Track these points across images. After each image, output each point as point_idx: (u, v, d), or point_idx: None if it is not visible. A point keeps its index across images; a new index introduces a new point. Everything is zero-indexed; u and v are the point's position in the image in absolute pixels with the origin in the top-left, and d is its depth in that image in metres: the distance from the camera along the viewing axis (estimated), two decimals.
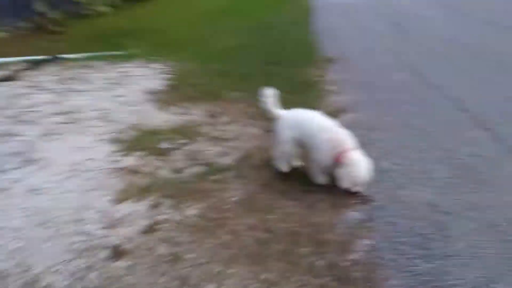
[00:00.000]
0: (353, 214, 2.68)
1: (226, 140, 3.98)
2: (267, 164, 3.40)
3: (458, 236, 2.37)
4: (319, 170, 3.00)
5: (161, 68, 6.71)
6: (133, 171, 3.47)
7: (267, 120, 3.60)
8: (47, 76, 6.64)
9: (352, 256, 2.31)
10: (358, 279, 2.15)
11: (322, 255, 2.35)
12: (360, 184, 2.76)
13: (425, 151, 3.36)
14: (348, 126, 3.95)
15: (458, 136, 3.56)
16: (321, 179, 3.03)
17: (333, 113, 4.32)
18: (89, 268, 2.36)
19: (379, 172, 3.15)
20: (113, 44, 9.18)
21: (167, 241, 2.57)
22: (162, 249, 2.50)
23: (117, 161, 3.64)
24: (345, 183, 2.75)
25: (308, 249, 2.40)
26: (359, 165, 2.72)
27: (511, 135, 3.49)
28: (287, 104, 4.65)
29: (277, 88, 5.19)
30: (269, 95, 3.17)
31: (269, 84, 5.38)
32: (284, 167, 3.20)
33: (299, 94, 4.98)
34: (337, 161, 2.81)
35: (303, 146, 3.11)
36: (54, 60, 7.84)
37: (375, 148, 3.52)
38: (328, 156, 2.85)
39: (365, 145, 3.52)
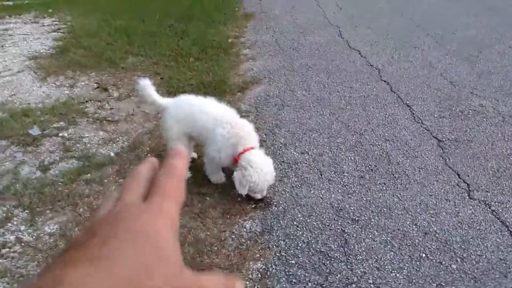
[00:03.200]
0: (247, 225, 2.22)
1: (115, 122, 3.33)
2: (157, 155, 2.82)
3: (364, 254, 2.01)
4: (216, 168, 2.48)
5: (53, 25, 5.68)
6: None
7: (169, 95, 3.02)
8: None
9: None
10: None
11: None
12: (258, 191, 2.29)
13: (338, 135, 2.95)
14: (257, 103, 3.48)
15: (375, 115, 3.18)
16: (217, 177, 2.52)
17: (244, 85, 3.79)
18: None
19: (285, 164, 2.71)
20: None
21: (9, 274, 2.00)
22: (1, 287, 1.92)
23: None
24: (240, 189, 2.26)
25: None
26: (257, 169, 2.20)
27: (430, 115, 3.15)
28: (194, 72, 4.06)
29: (185, 52, 4.55)
30: (146, 85, 2.49)
31: (176, 45, 4.74)
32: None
33: (210, 60, 4.35)
34: (235, 162, 2.29)
35: (198, 140, 2.55)
36: None
37: (283, 130, 3.07)
38: (228, 155, 2.32)
39: (273, 127, 3.09)
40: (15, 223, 2.32)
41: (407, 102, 3.34)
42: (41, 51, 4.72)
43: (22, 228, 2.29)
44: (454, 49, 4.46)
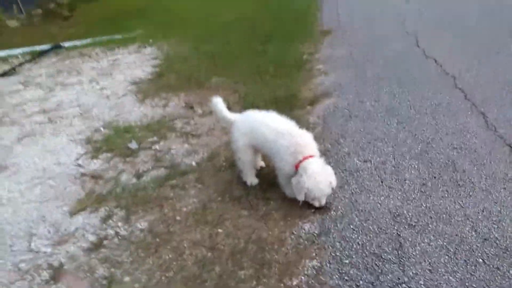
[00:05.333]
0: (307, 226, 2.40)
1: (197, 136, 3.76)
2: (231, 164, 3.16)
3: (417, 257, 2.06)
4: (287, 179, 2.61)
5: (152, 54, 6.50)
6: (96, 176, 3.36)
7: (244, 109, 3.36)
8: (42, 68, 6.63)
9: (293, 282, 2.07)
10: None
11: (262, 279, 2.12)
12: (314, 198, 2.46)
13: (403, 144, 2.98)
14: (325, 115, 3.65)
15: (446, 123, 3.13)
16: (290, 191, 2.63)
17: (315, 98, 3.99)
18: None
19: (347, 172, 2.84)
20: (117, 27, 9.07)
21: (108, 260, 2.45)
22: (101, 270, 2.39)
23: (83, 165, 3.53)
24: (297, 195, 2.46)
25: (249, 271, 2.19)
26: (310, 177, 2.38)
27: (506, 122, 3.01)
28: (269, 88, 4.37)
29: (262, 71, 4.90)
30: (218, 103, 2.86)
31: (255, 65, 5.11)
32: (252, 179, 2.91)
33: (284, 77, 4.64)
34: (296, 169, 2.51)
35: (263, 152, 2.82)
36: (54, 49, 7.82)
37: (348, 140, 3.19)
38: (290, 165, 2.54)
39: (338, 138, 3.23)
40: (114, 220, 2.80)
41: (482, 109, 3.22)
42: (142, 76, 5.45)
43: (120, 224, 2.75)
44: None
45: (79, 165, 3.56)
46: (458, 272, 1.93)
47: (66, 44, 8.21)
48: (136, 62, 6.13)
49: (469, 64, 4.08)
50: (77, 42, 8.41)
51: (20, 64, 7.14)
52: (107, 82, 5.46)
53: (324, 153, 2.65)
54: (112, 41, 7.90)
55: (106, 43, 7.77)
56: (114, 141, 3.84)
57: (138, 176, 3.27)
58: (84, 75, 5.92)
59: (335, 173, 2.51)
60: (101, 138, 3.94)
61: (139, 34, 8.11)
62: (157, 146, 3.67)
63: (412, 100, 3.58)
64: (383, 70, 4.31)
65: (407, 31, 5.41)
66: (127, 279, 2.29)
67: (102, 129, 4.14)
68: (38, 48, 8.00)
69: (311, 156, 2.48)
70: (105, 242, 2.61)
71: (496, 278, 1.87)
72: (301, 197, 2.44)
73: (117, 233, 2.67)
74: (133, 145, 3.73)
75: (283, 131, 2.57)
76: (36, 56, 7.48)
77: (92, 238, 2.67)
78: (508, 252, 1.98)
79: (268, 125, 2.63)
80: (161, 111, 4.36)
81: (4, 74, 6.64)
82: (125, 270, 2.35)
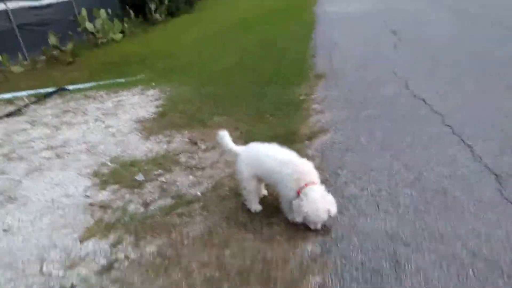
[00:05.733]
0: (309, 247, 2.56)
1: (202, 169, 3.95)
2: (235, 193, 3.33)
3: (413, 271, 2.21)
4: (288, 204, 2.79)
5: (155, 95, 6.80)
6: (104, 206, 3.50)
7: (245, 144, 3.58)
8: (48, 109, 6.86)
9: None
10: None
11: None
12: (311, 222, 2.63)
13: (397, 174, 3.20)
14: (323, 149, 3.89)
15: (436, 156, 3.38)
16: (292, 215, 2.81)
17: (312, 134, 4.24)
18: None
19: (346, 199, 3.03)
20: (120, 72, 9.46)
21: (120, 281, 2.56)
22: None
23: (91, 196, 3.67)
24: (296, 217, 2.64)
25: None
26: (310, 202, 2.57)
27: (491, 153, 3.26)
28: (269, 126, 4.64)
29: (262, 111, 5.19)
30: (224, 136, 3.12)
31: (255, 106, 5.41)
32: (256, 206, 3.08)
33: (283, 116, 4.92)
34: (298, 194, 2.70)
35: (267, 181, 3.02)
36: (59, 92, 8.12)
37: (345, 171, 3.40)
38: (293, 191, 2.73)
39: (336, 169, 3.44)
40: (123, 245, 2.93)
41: (468, 143, 3.48)
42: (146, 116, 5.71)
43: (129, 248, 2.88)
44: None
45: (87, 196, 3.71)
46: (450, 284, 2.08)
47: (70, 87, 8.53)
48: (140, 103, 6.42)
49: (455, 104, 4.40)
50: (81, 86, 8.73)
51: (26, 106, 7.39)
52: (112, 121, 5.70)
53: (323, 182, 2.84)
54: (115, 84, 8.24)
55: (109, 86, 8.09)
56: (121, 174, 4.01)
57: (146, 205, 3.42)
58: (89, 115, 6.16)
59: (335, 201, 2.70)
60: (108, 172, 4.11)
61: (141, 78, 8.47)
62: (163, 178, 3.84)
63: (404, 135, 3.84)
64: (375, 110, 4.61)
65: (396, 75, 5.79)
66: None
67: (109, 163, 4.32)
68: (43, 91, 8.30)
69: (313, 183, 2.68)
70: (115, 264, 2.73)
71: (485, 287, 2.02)
72: (299, 219, 2.62)
73: (127, 257, 2.79)
74: (140, 177, 3.90)
75: (286, 160, 2.79)
76: (42, 98, 7.75)
77: (102, 261, 2.78)
78: (496, 265, 2.15)
79: (272, 156, 2.85)
80: (166, 146, 4.57)
81: (10, 114, 6.87)
82: None
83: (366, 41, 8.81)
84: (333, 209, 2.64)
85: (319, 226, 2.67)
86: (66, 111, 6.55)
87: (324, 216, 2.62)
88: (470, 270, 2.15)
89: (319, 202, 2.58)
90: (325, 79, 6.26)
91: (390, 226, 2.61)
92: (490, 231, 2.42)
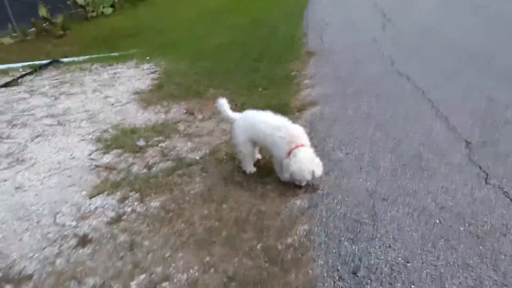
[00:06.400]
0: (298, 202, 2.88)
1: (199, 136, 4.22)
2: (231, 157, 3.63)
3: (388, 221, 2.55)
4: (280, 165, 3.09)
5: (151, 69, 6.99)
6: (109, 168, 3.75)
7: None
8: (45, 80, 7.00)
9: (288, 240, 2.53)
10: (288, 260, 2.37)
11: (262, 239, 2.57)
12: (296, 180, 2.94)
13: (379, 141, 3.53)
14: (312, 119, 4.19)
15: (414, 126, 3.71)
16: (284, 175, 3.15)
17: (303, 107, 4.54)
18: (58, 254, 2.66)
19: (332, 162, 3.35)
20: (113, 46, 9.57)
21: (128, 230, 2.84)
22: (122, 238, 2.77)
23: (96, 159, 3.92)
24: (284, 174, 2.95)
25: (250, 234, 2.63)
26: (297, 162, 2.87)
27: (464, 124, 3.61)
28: (262, 99, 4.91)
29: (256, 85, 5.45)
30: (223, 103, 3.39)
31: (249, 80, 5.66)
32: (251, 168, 3.38)
33: (275, 89, 5.19)
34: (289, 155, 3.00)
35: (261, 145, 3.32)
36: (53, 64, 8.22)
37: (333, 139, 3.72)
38: (285, 152, 3.03)
39: (324, 137, 3.76)
40: (130, 200, 3.21)
41: (445, 115, 3.82)
42: (142, 88, 5.92)
43: (135, 203, 3.16)
44: (498, 74, 4.83)
45: (93, 159, 3.96)
46: (419, 230, 2.43)
47: (64, 60, 8.62)
48: (136, 76, 6.61)
49: (436, 81, 4.74)
50: (75, 59, 8.83)
51: (22, 76, 7.49)
52: (110, 92, 5.90)
53: (312, 148, 3.15)
54: (109, 58, 8.37)
55: (103, 59, 8.22)
56: (123, 139, 4.26)
57: (148, 167, 3.69)
58: (86, 86, 6.34)
59: (322, 163, 3.01)
60: (110, 137, 4.35)
61: (135, 52, 8.61)
62: (163, 144, 4.11)
63: (387, 108, 4.16)
64: (362, 85, 4.92)
65: (383, 54, 6.09)
66: (146, 243, 2.70)
67: (110, 130, 4.56)
68: (37, 63, 8.38)
69: (302, 145, 2.99)
70: (123, 217, 3.01)
71: (449, 232, 2.38)
72: (286, 176, 2.94)
73: (133, 210, 3.08)
74: (141, 142, 4.16)
75: (279, 125, 3.08)
76: (37, 69, 7.85)
77: (111, 214, 3.06)
78: (459, 216, 2.50)
79: (266, 121, 3.15)
80: (164, 116, 4.82)
81: (7, 84, 6.99)
82: (144, 236, 2.76)
83: (357, 21, 9.07)
84: (318, 171, 2.95)
85: (303, 184, 2.99)
86: (63, 82, 6.71)
87: (308, 176, 2.93)
88: (437, 219, 2.50)
89: (305, 163, 2.88)
90: (316, 56, 6.52)
91: (370, 184, 2.95)
92: (457, 188, 2.77)
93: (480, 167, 2.96)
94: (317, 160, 2.98)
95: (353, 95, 4.68)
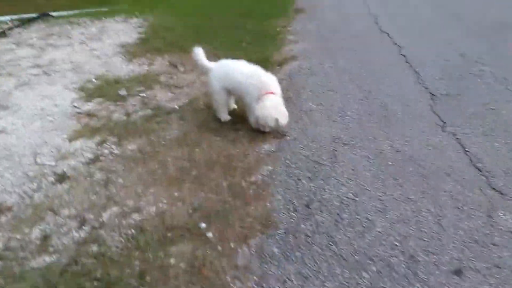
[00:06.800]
0: (266, 146, 3.04)
1: (180, 87, 4.33)
2: (208, 107, 3.75)
3: (345, 162, 2.73)
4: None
5: (138, 23, 6.97)
6: (90, 114, 3.88)
7: None
8: (33, 33, 6.97)
9: (252, 179, 2.70)
10: (249, 195, 2.55)
11: (228, 178, 2.75)
12: (261, 125, 3.08)
13: (350, 93, 3.66)
14: (291, 73, 4.30)
15: (386, 79, 3.84)
16: (250, 119, 3.30)
17: (284, 61, 4.62)
18: (37, 189, 2.82)
19: (303, 112, 3.49)
20: (103, 1, 9.43)
21: (104, 169, 3.00)
22: (99, 175, 2.93)
23: (78, 106, 4.04)
24: (251, 119, 3.09)
25: (218, 174, 2.80)
26: (262, 108, 3.00)
27: (432, 77, 3.74)
28: (245, 53, 4.98)
29: (240, 40, 5.50)
30: (199, 52, 3.46)
31: (234, 36, 5.70)
32: (225, 116, 3.50)
33: (259, 45, 5.25)
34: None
35: (235, 93, 3.43)
36: (43, 17, 8.15)
37: (307, 90, 3.84)
38: (255, 98, 3.15)
39: (299, 89, 3.88)
40: (108, 143, 3.35)
41: (417, 69, 3.94)
42: (129, 41, 5.95)
43: (113, 146, 3.31)
44: (475, 31, 4.91)
45: (75, 106, 4.07)
46: (372, 170, 2.61)
47: (54, 13, 8.53)
48: (123, 30, 6.61)
49: (415, 38, 4.82)
50: (65, 13, 8.73)
51: (10, 29, 7.44)
52: (96, 44, 5.93)
53: (288, 100, 3.29)
54: (98, 12, 8.29)
55: (93, 14, 8.15)
56: (105, 89, 4.36)
57: (128, 115, 3.82)
58: (74, 39, 6.34)
59: (293, 113, 3.15)
60: (93, 87, 4.44)
61: (124, 7, 8.53)
62: (144, 94, 4.22)
63: (364, 63, 4.27)
64: (345, 41, 5.00)
65: (369, 12, 6.11)
66: (120, 180, 2.87)
67: (94, 80, 4.64)
68: (26, 16, 8.29)
69: (272, 93, 3.12)
70: (101, 158, 3.16)
71: (399, 172, 2.55)
72: (252, 121, 3.08)
73: (111, 152, 3.23)
74: (123, 92, 4.26)
75: (251, 73, 3.19)
76: (26, 22, 7.79)
77: (89, 155, 3.21)
78: (411, 159, 2.68)
79: (240, 70, 3.25)
80: (147, 68, 4.90)
81: None
82: (119, 175, 2.92)
83: None
84: (282, 120, 3.07)
85: (267, 130, 3.13)
86: (50, 35, 6.70)
87: (270, 123, 3.05)
88: (390, 161, 2.67)
89: (270, 109, 3.01)
90: (303, 13, 6.53)
91: (335, 131, 3.11)
92: (414, 135, 2.94)
93: (439, 117, 3.11)
94: (283, 108, 3.10)
95: (333, 51, 4.76)
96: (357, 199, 2.37)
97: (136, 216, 2.51)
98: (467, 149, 2.69)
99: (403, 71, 3.97)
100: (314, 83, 3.98)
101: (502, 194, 2.27)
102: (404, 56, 4.29)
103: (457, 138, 2.82)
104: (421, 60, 4.16)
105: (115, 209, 2.59)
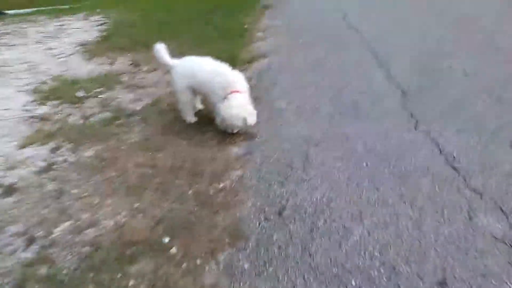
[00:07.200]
0: (235, 149, 2.85)
1: (142, 87, 4.09)
2: (173, 108, 3.53)
3: (318, 164, 2.58)
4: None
5: (100, 20, 6.64)
6: (44, 118, 3.59)
7: None
8: None
9: (220, 185, 2.51)
10: (218, 203, 2.36)
11: (194, 185, 2.54)
12: (227, 126, 2.89)
13: (322, 90, 3.53)
14: (260, 71, 4.12)
15: (357, 75, 3.73)
16: (216, 120, 3.10)
17: (252, 59, 4.44)
18: None
19: (274, 111, 3.33)
20: None
21: (58, 179, 2.74)
22: (51, 186, 2.67)
23: (31, 110, 3.73)
24: (217, 120, 2.90)
25: (184, 180, 2.59)
26: (229, 109, 2.81)
27: (403, 73, 3.66)
28: (212, 51, 4.76)
29: (207, 37, 5.28)
30: (160, 49, 3.23)
31: (200, 32, 5.48)
32: (191, 118, 3.29)
33: (226, 42, 5.05)
34: None
35: (200, 92, 3.22)
36: None
37: (277, 88, 3.68)
38: (221, 98, 2.95)
39: (268, 87, 3.71)
40: (63, 150, 3.09)
41: (387, 65, 3.86)
42: (89, 39, 5.63)
43: (68, 153, 3.05)
44: (448, 23, 4.91)
45: (27, 110, 3.76)
46: (346, 172, 2.47)
47: (9, 11, 8.06)
48: (83, 27, 6.27)
49: (381, 33, 4.77)
50: (21, 11, 8.27)
51: None
52: (54, 43, 5.59)
53: (257, 98, 3.12)
54: (58, 10, 7.89)
55: (51, 12, 7.75)
56: (62, 90, 4.07)
57: (85, 118, 3.55)
58: (30, 38, 5.97)
59: (263, 112, 2.98)
60: (48, 89, 4.14)
61: (86, 4, 8.15)
62: (104, 95, 3.96)
63: (334, 59, 4.17)
64: (313, 38, 4.88)
65: (339, 7, 6.03)
66: (75, 191, 2.61)
67: (49, 81, 4.34)
68: None
69: (238, 91, 2.93)
70: (54, 166, 2.90)
71: (374, 173, 2.42)
72: (218, 122, 2.88)
73: (65, 160, 2.97)
74: (80, 93, 3.99)
75: (217, 70, 2.99)
76: None
77: (41, 164, 2.93)
78: (386, 159, 2.56)
79: (205, 67, 3.04)
80: (108, 67, 4.62)
81: None
82: (73, 185, 2.67)
83: None
84: (251, 119, 2.89)
85: (235, 131, 2.95)
86: (4, 33, 6.29)
87: (238, 123, 2.87)
88: (365, 162, 2.54)
89: (236, 109, 2.83)
90: (271, 9, 6.39)
91: (307, 131, 2.96)
92: (387, 133, 2.82)
93: (411, 114, 3.02)
94: (250, 108, 2.93)
95: (303, 47, 4.63)
96: (332, 204, 2.23)
97: (91, 232, 2.27)
98: (441, 148, 2.59)
99: (373, 67, 3.88)
100: (284, 80, 3.83)
101: (480, 194, 2.18)
102: (373, 51, 4.20)
103: (432, 137, 2.72)
104: (392, 55, 4.10)
105: (67, 224, 2.35)
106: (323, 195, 2.31)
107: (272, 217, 2.19)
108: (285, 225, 2.12)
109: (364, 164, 2.52)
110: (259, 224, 2.16)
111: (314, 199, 2.29)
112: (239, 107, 2.82)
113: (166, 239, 2.13)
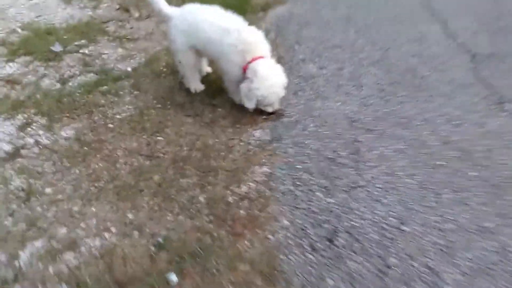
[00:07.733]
0: (256, 134, 2.17)
1: (134, 40, 3.31)
2: (173, 70, 2.79)
3: (374, 161, 1.92)
4: (236, 85, 2.28)
5: None
6: (12, 81, 2.85)
7: None
8: None
9: (242, 188, 1.86)
10: (241, 218, 1.72)
11: (206, 186, 1.89)
12: (267, 104, 2.19)
13: (360, 51, 2.78)
14: (279, 21, 3.32)
15: (404, 32, 2.94)
16: (238, 96, 2.34)
17: (267, 5, 3.62)
18: None
19: (302, 78, 2.60)
20: None
21: (27, 171, 2.09)
22: (18, 182, 2.03)
23: None
24: (247, 103, 2.17)
25: (192, 180, 1.95)
26: (263, 81, 2.08)
27: (464, 30, 2.87)
28: None
29: None
30: None
31: None
32: (196, 85, 2.56)
33: None
34: (244, 72, 2.18)
35: (206, 54, 2.45)
36: None
37: (303, 48, 2.92)
38: (237, 66, 2.20)
39: (292, 44, 2.94)
40: (34, 128, 2.40)
41: (442, 18, 3.05)
42: None
43: (41, 132, 2.37)
44: None
45: None
46: (416, 175, 1.81)
47: None
48: None
49: None
50: None
51: None
52: None
53: (277, 60, 2.37)
54: None
55: None
56: (34, 43, 3.28)
57: (63, 81, 2.83)
58: None
59: (289, 80, 2.25)
60: (18, 40, 3.36)
61: None
62: (85, 50, 3.20)
63: (371, 11, 3.37)
64: None
65: None
66: (48, 190, 1.98)
67: (19, 30, 3.53)
68: None
69: (261, 57, 2.17)
70: (22, 151, 2.25)
71: (455, 179, 1.77)
72: (251, 105, 2.17)
73: (37, 142, 2.30)
74: (57, 47, 3.21)
75: (229, 27, 2.20)
76: None
77: (6, 147, 2.28)
78: (468, 155, 1.89)
79: (211, 21, 2.24)
80: (91, 13, 3.79)
81: None
82: (46, 181, 2.02)
83: None
84: (285, 80, 2.20)
85: (277, 106, 2.26)
86: None
87: (282, 93, 2.19)
88: (440, 160, 1.88)
89: (272, 78, 2.11)
90: None
91: (351, 109, 2.27)
92: (463, 116, 2.14)
93: (491, 88, 2.30)
94: (279, 67, 2.20)
95: None
96: (404, 228, 1.59)
97: (70, 257, 1.66)
98: None
99: (424, 20, 3.07)
100: (311, 36, 3.04)
101: None
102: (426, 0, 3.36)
103: None
104: (445, 5, 3.25)
105: (39, 243, 1.73)
106: (390, 211, 1.67)
107: (319, 246, 1.57)
108: (341, 260, 1.50)
109: (439, 163, 1.86)
110: (302, 258, 1.54)
111: (377, 218, 1.65)
112: (274, 75, 2.13)
113: (173, 277, 1.51)
